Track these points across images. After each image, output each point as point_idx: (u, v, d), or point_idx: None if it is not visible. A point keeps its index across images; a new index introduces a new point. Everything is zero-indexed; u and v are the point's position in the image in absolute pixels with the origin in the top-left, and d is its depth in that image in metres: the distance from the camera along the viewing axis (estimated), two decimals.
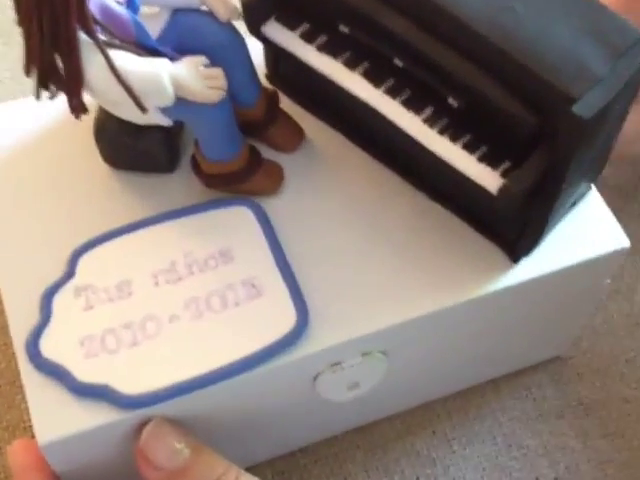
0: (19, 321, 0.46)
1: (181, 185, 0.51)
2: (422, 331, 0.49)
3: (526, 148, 0.43)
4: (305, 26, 0.48)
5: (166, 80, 0.43)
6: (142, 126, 0.48)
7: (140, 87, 0.43)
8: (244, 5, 0.48)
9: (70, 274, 0.48)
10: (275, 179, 0.51)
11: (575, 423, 0.60)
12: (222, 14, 0.47)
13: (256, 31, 0.49)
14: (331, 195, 0.51)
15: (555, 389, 0.62)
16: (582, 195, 0.51)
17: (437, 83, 0.44)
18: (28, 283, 0.47)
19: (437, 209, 0.51)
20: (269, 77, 0.55)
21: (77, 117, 0.45)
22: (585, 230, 0.51)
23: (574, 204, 0.51)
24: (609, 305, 0.65)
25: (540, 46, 0.40)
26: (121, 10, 0.44)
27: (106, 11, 0.43)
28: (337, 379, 0.49)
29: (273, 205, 0.51)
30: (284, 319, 0.46)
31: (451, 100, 0.44)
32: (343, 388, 0.51)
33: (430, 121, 0.45)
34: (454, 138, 0.44)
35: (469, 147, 0.44)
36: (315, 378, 0.49)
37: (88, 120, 0.50)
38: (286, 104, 0.54)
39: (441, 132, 0.45)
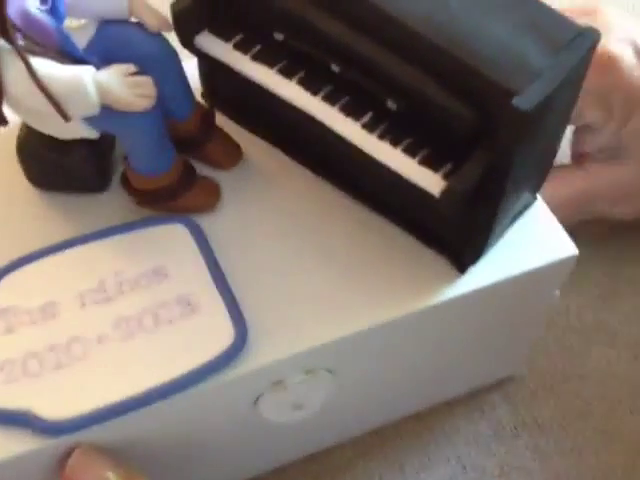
0: None
1: (112, 205, 0.49)
2: (368, 346, 0.47)
3: (467, 149, 0.41)
4: (239, 36, 0.46)
5: (90, 85, 0.41)
6: (68, 141, 0.46)
7: (62, 93, 0.41)
8: (175, 16, 0.46)
9: None
10: (211, 196, 0.49)
11: (531, 442, 0.58)
12: (152, 25, 0.46)
13: (189, 43, 0.47)
14: (270, 211, 0.49)
15: (509, 409, 0.60)
16: (527, 205, 0.50)
17: (374, 86, 0.42)
18: None
19: (380, 221, 0.49)
20: (204, 95, 0.53)
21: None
22: (532, 239, 0.49)
23: (520, 213, 0.50)
24: (559, 323, 0.63)
25: (477, 41, 0.39)
26: (43, 17, 0.41)
27: (26, 17, 0.41)
28: (280, 399, 0.47)
29: (210, 222, 0.49)
30: (221, 336, 0.44)
31: (390, 103, 0.42)
32: (287, 409, 0.48)
33: (369, 126, 0.43)
34: (394, 142, 0.43)
35: (410, 151, 0.43)
36: (257, 399, 0.46)
37: (11, 137, 0.48)
38: (223, 122, 0.52)
39: (381, 137, 0.43)
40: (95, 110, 0.42)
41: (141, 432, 0.44)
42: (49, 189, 0.49)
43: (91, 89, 0.41)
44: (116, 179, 0.50)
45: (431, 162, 0.42)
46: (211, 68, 0.50)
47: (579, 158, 0.62)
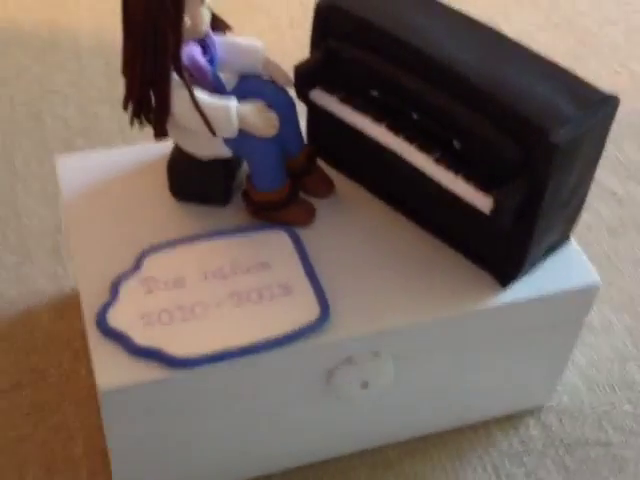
0: (90, 300, 0.57)
1: (231, 216, 0.63)
2: (425, 340, 0.58)
3: (512, 178, 0.54)
4: (342, 93, 0.61)
5: (233, 112, 0.56)
6: (207, 162, 0.60)
7: (213, 115, 0.55)
8: (295, 77, 0.61)
9: (137, 267, 0.58)
10: (309, 213, 0.62)
11: (557, 459, 0.68)
12: (280, 80, 0.61)
13: (304, 96, 0.62)
14: (353, 229, 0.62)
15: (540, 430, 0.69)
16: (561, 242, 0.62)
17: (443, 129, 0.56)
18: (101, 272, 0.58)
19: (441, 245, 0.62)
20: (309, 139, 0.67)
21: (158, 139, 0.57)
22: (564, 269, 0.61)
23: (554, 249, 0.61)
24: (587, 370, 0.74)
25: (525, 95, 0.53)
26: (204, 63, 0.57)
27: (193, 61, 0.56)
28: (350, 373, 0.58)
29: (306, 233, 0.62)
30: (309, 311, 0.56)
31: (455, 142, 0.56)
32: (355, 385, 0.59)
33: (438, 160, 0.56)
34: (456, 172, 0.56)
35: (468, 179, 0.55)
36: (331, 371, 0.58)
37: (151, 167, 0.63)
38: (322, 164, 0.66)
39: (447, 168, 0.56)
40: (234, 132, 0.56)
41: (235, 382, 0.55)
42: (185, 199, 0.63)
43: (233, 115, 0.56)
44: (236, 198, 0.63)
45: (484, 189, 0.55)
46: (316, 120, 0.64)
47: None
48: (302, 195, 0.64)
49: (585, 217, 0.86)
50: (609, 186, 0.90)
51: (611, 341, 0.76)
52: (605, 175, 0.91)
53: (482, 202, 0.55)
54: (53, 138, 0.92)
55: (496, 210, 0.53)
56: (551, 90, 0.53)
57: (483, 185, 0.55)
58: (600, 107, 0.53)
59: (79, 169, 0.65)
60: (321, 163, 0.66)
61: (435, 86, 0.55)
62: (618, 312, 0.78)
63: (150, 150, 0.67)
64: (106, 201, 0.63)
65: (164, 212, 0.63)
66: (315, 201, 0.64)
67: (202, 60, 0.56)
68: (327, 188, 0.65)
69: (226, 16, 0.60)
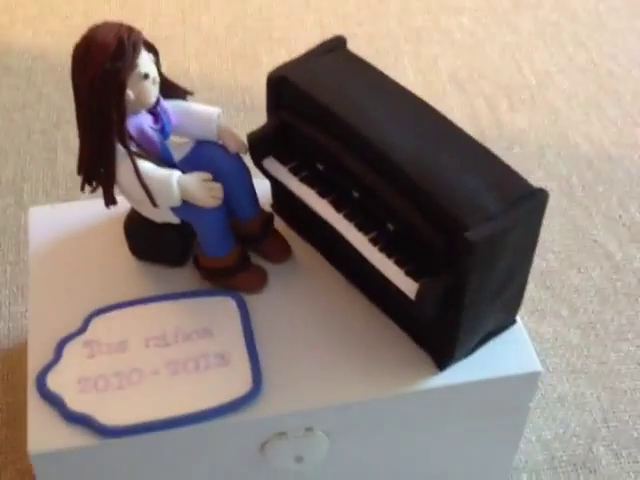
0: (36, 358, 0.59)
1: (186, 277, 0.64)
2: (357, 417, 0.59)
3: (439, 268, 0.54)
4: (294, 163, 0.62)
5: (174, 184, 0.57)
6: (163, 225, 0.62)
7: (155, 187, 0.57)
8: (249, 144, 0.62)
9: (83, 329, 0.60)
10: (259, 279, 0.64)
11: None
12: (232, 148, 0.62)
13: (258, 164, 0.63)
14: (302, 299, 0.63)
15: None
16: (504, 326, 0.61)
17: (379, 211, 0.56)
18: (50, 332, 0.60)
19: (390, 323, 0.62)
20: (273, 206, 0.68)
21: (108, 207, 0.59)
22: (507, 353, 0.60)
23: (496, 332, 0.61)
24: (552, 447, 0.73)
25: (453, 187, 0.53)
26: (153, 134, 0.58)
27: (141, 132, 0.58)
28: (283, 447, 0.59)
29: (254, 300, 0.63)
30: (242, 385, 0.58)
31: (389, 225, 0.56)
32: (290, 458, 0.60)
33: (374, 240, 0.57)
34: (389, 255, 0.56)
35: (399, 263, 0.56)
36: (264, 444, 0.59)
37: (119, 221, 0.65)
38: (283, 228, 0.67)
39: (380, 250, 0.56)
40: (176, 203, 0.58)
41: (168, 451, 0.57)
42: (142, 259, 0.65)
43: (174, 187, 0.57)
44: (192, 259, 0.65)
45: (414, 274, 0.55)
46: (276, 183, 0.65)
47: None
48: (257, 259, 0.65)
49: (576, 280, 0.85)
50: (608, 248, 0.88)
51: (582, 417, 0.74)
52: (605, 236, 0.89)
53: (409, 288, 0.55)
54: (62, 171, 0.96)
55: (418, 298, 0.54)
56: (479, 183, 0.53)
57: (414, 270, 0.55)
58: (527, 202, 0.53)
59: (49, 222, 0.68)
60: (282, 225, 0.67)
61: (371, 168, 0.56)
62: (594, 387, 0.77)
63: (122, 204, 0.68)
64: (70, 256, 0.66)
65: (123, 271, 0.65)
66: (270, 265, 0.65)
67: (149, 131, 0.58)
68: (283, 254, 0.66)
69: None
